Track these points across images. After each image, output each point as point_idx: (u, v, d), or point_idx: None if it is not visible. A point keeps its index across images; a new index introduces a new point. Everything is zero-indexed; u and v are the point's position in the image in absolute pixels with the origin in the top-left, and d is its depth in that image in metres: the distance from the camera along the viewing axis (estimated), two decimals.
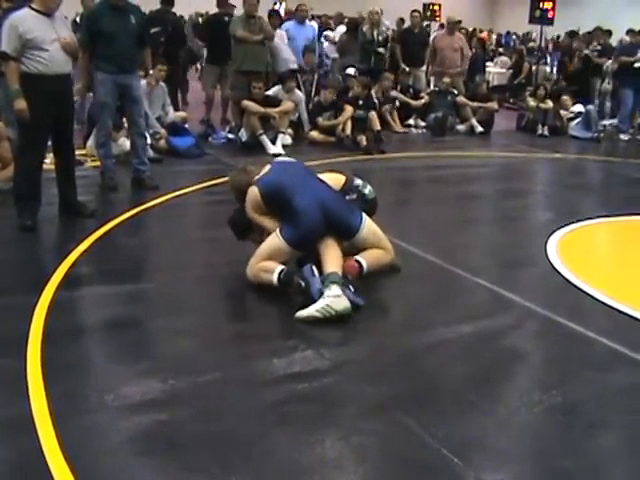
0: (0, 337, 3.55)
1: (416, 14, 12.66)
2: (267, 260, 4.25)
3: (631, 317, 4.20)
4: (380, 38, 11.49)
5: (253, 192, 4.39)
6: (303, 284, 4.04)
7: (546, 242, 5.57)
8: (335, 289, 3.92)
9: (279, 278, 4.13)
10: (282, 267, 4.18)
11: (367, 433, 2.88)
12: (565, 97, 12.41)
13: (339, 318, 3.86)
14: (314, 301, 3.91)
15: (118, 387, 3.11)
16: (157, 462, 2.65)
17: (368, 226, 4.42)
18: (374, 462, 2.73)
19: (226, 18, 10.32)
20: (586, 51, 13.37)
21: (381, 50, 11.55)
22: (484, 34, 20.60)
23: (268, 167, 4.61)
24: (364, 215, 4.45)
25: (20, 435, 2.75)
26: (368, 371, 3.43)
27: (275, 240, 4.24)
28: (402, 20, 15.38)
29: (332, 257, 4.19)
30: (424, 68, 12.65)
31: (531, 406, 3.15)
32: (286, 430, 2.88)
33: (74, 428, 2.79)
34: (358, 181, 4.76)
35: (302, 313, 3.89)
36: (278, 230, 4.26)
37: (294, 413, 3.01)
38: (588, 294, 4.54)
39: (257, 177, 4.50)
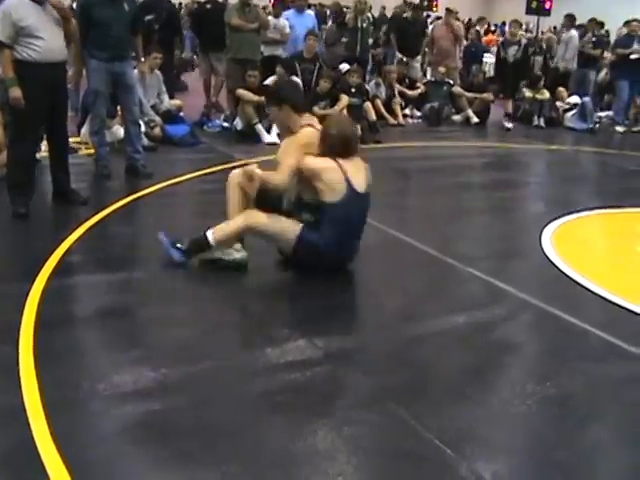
0: None
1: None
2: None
3: (625, 309, 4.21)
4: (364, 25, 11.30)
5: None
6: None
7: (541, 233, 5.56)
8: None
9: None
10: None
11: (360, 423, 2.87)
12: (561, 88, 12.38)
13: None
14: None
15: (110, 376, 3.09)
16: (148, 451, 2.64)
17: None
18: (366, 453, 2.72)
19: (208, 6, 10.31)
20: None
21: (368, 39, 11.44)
22: (484, 27, 20.30)
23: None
24: None
25: (11, 424, 2.73)
26: (361, 361, 3.42)
27: None
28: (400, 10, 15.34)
29: None
30: (419, 58, 12.59)
31: (525, 397, 3.14)
32: (278, 420, 2.87)
33: (66, 417, 2.77)
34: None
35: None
36: None
37: (286, 403, 3.00)
38: (582, 286, 4.54)
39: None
